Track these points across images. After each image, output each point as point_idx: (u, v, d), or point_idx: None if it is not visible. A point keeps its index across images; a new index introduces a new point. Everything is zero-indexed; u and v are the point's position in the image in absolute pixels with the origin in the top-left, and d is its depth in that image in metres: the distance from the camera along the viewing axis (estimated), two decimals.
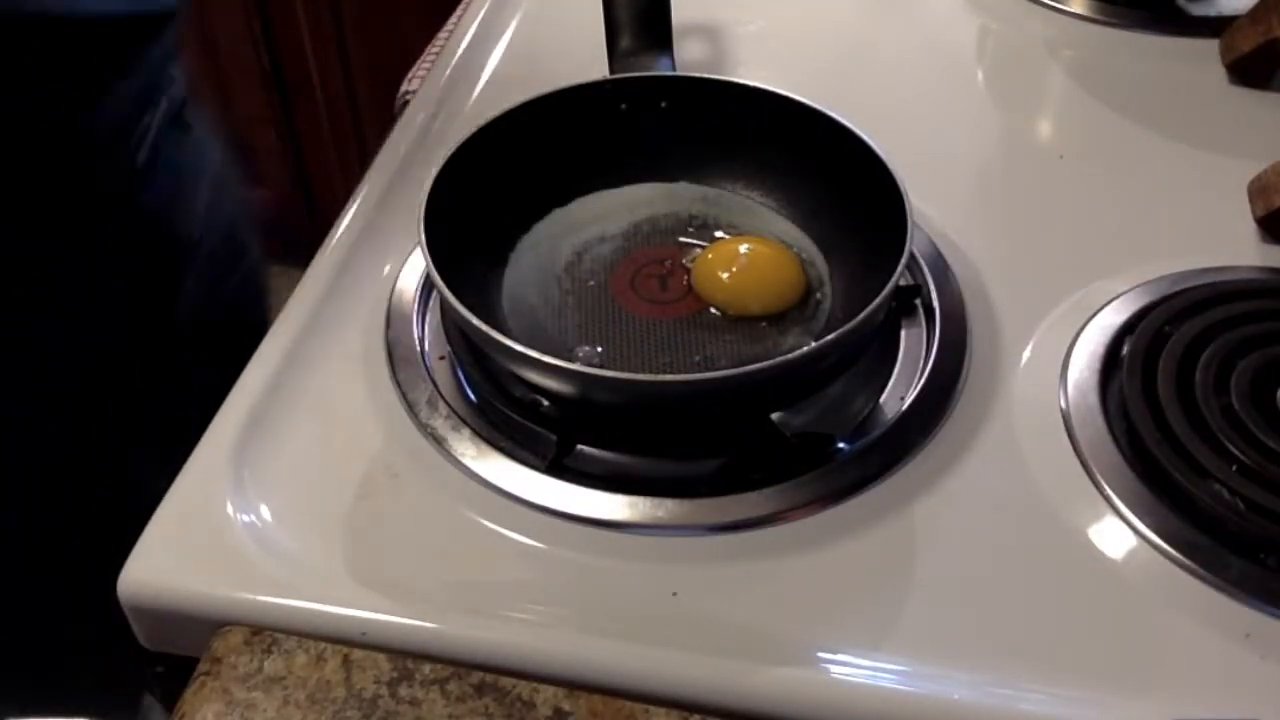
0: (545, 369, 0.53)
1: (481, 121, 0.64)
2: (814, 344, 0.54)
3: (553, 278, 0.64)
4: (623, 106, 0.68)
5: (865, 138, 0.62)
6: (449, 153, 0.61)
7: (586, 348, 0.60)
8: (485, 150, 0.63)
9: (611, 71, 0.72)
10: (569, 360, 0.57)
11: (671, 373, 0.59)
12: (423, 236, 0.57)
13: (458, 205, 0.60)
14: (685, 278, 0.64)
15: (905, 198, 0.59)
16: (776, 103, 0.66)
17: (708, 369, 0.59)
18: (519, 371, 0.56)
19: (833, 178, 0.64)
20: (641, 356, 0.60)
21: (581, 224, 0.67)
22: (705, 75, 0.69)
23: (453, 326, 0.61)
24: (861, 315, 0.54)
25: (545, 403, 0.57)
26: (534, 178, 0.66)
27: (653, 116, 0.68)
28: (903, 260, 0.56)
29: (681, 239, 0.66)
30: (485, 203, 0.64)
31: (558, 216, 0.67)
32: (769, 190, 0.68)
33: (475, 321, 0.54)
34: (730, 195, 0.69)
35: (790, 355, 0.54)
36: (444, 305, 0.60)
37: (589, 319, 0.62)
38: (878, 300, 0.54)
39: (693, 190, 0.69)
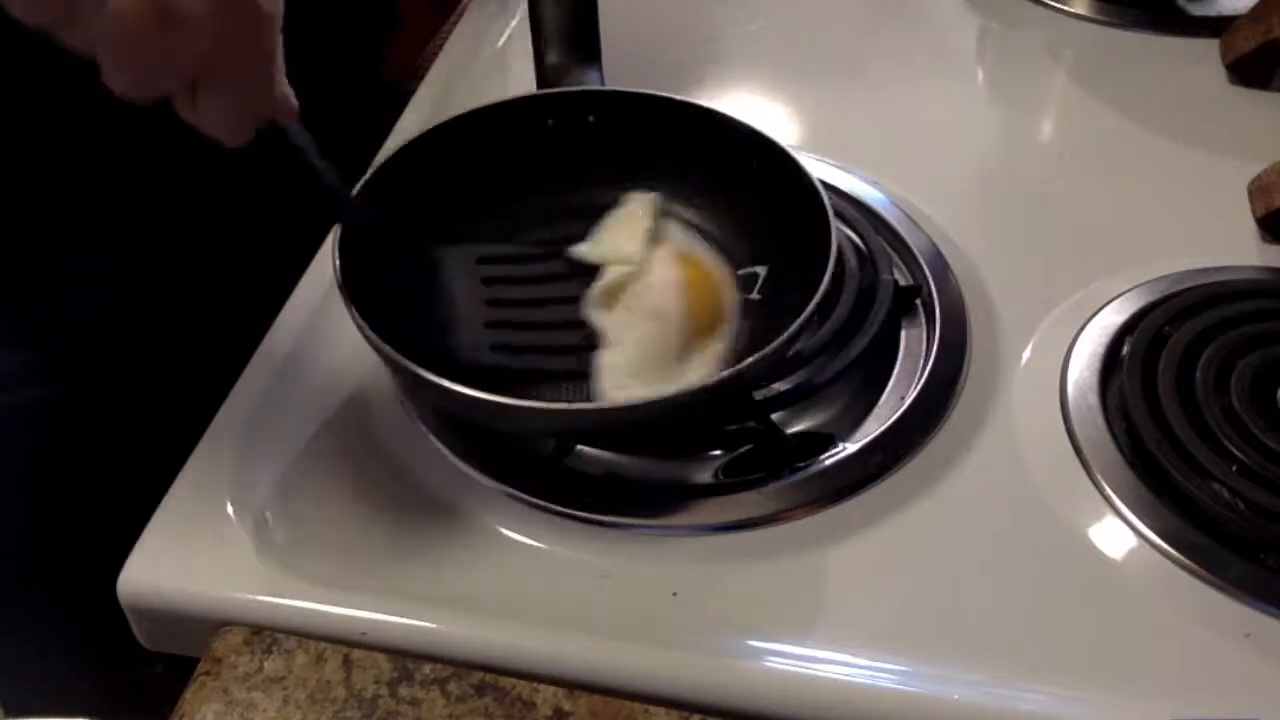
0: (437, 390, 0.51)
1: (396, 148, 0.61)
2: (714, 377, 0.52)
3: (473, 296, 0.60)
4: (550, 122, 0.66)
5: (786, 147, 0.60)
6: (365, 177, 0.59)
7: (498, 363, 0.58)
8: (404, 173, 0.61)
9: (539, 86, 0.70)
10: (469, 385, 0.51)
11: (566, 399, 0.57)
12: (336, 261, 0.54)
13: (381, 222, 0.58)
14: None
15: (828, 212, 0.57)
16: (704, 117, 0.63)
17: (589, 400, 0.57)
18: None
19: (759, 190, 0.62)
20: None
21: (512, 235, 0.64)
22: (631, 89, 0.66)
23: None
24: (771, 347, 0.52)
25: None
26: (462, 193, 0.64)
27: (580, 131, 0.66)
28: (824, 284, 0.54)
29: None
30: (409, 222, 0.60)
31: (482, 233, 0.64)
32: (698, 203, 0.66)
33: (389, 350, 0.51)
34: (660, 207, 0.66)
35: (683, 389, 0.52)
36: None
37: (505, 338, 0.59)
38: (786, 335, 0.52)
39: (623, 200, 0.66)
